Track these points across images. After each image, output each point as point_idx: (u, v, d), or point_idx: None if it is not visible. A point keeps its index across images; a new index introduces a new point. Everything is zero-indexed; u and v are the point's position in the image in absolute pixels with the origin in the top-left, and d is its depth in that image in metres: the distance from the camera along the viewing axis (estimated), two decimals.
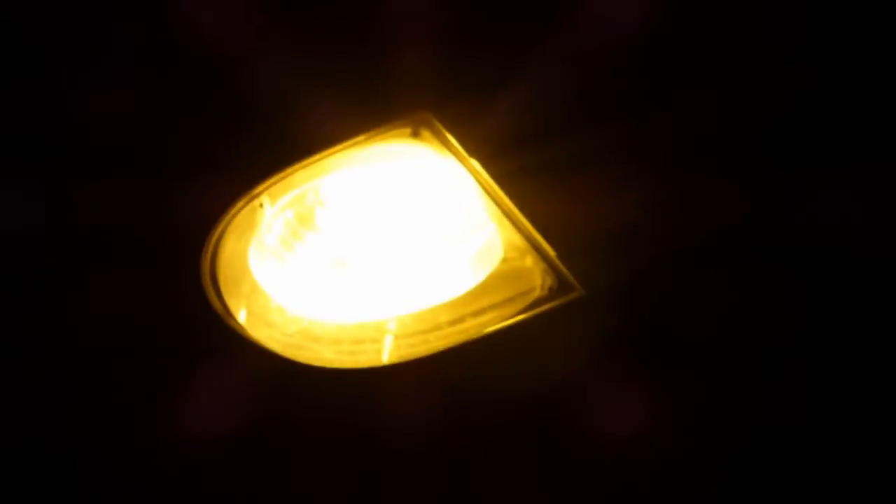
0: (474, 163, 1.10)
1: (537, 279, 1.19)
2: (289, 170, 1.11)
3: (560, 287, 1.18)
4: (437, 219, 1.21)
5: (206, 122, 1.10)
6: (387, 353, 1.24)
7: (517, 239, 1.16)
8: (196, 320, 1.20)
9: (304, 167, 1.11)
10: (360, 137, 1.08)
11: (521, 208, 1.13)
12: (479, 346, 1.23)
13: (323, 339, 1.24)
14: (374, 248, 1.23)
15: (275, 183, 1.12)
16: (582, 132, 1.10)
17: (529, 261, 1.18)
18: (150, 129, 1.11)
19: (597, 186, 1.13)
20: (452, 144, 1.09)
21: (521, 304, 1.20)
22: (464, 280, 1.23)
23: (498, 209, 1.13)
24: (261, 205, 1.15)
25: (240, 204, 1.13)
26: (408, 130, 1.08)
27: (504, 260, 1.20)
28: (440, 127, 1.07)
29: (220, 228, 1.15)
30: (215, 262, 1.17)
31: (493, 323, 1.22)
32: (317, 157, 1.10)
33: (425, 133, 1.08)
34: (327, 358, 1.24)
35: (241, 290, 1.21)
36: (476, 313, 1.23)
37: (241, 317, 1.21)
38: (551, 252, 1.16)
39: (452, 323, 1.23)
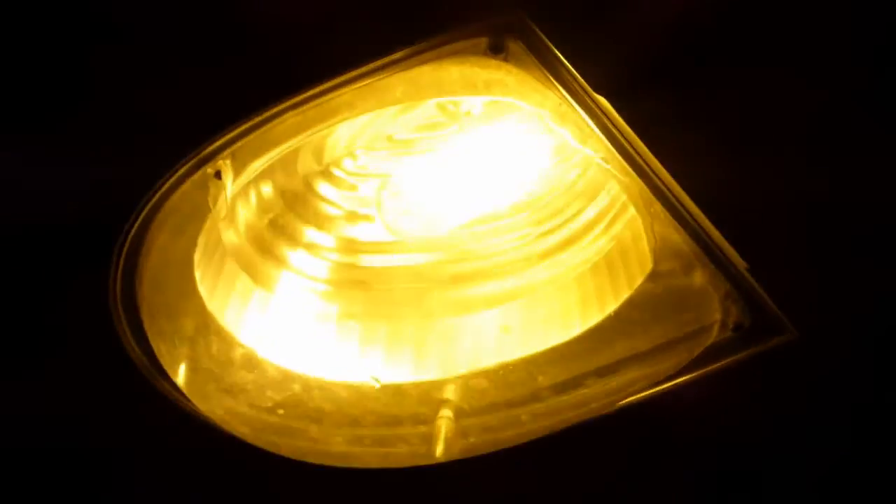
0: (600, 101, 0.77)
1: (713, 310, 0.84)
2: (266, 114, 0.78)
3: (756, 324, 0.83)
4: (530, 200, 0.92)
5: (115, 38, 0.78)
6: (442, 443, 0.90)
7: (678, 239, 0.81)
8: (104, 379, 0.88)
9: (295, 109, 0.79)
10: (398, 55, 0.77)
11: (687, 184, 0.79)
12: (608, 430, 0.90)
13: (329, 417, 0.91)
14: (421, 253, 0.95)
15: (240, 137, 0.79)
16: None
17: (699, 278, 0.83)
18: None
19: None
20: (561, 68, 0.76)
21: (682, 355, 0.86)
22: (579, 312, 0.92)
23: (644, 184, 0.79)
24: (215, 174, 0.81)
25: (178, 173, 0.80)
26: (483, 43, 0.77)
27: (653, 276, 0.86)
28: (540, 36, 0.76)
29: (139, 220, 0.82)
30: (134, 277, 0.83)
31: (632, 388, 0.88)
32: (318, 90, 0.78)
33: (514, 47, 0.77)
34: (336, 451, 0.91)
35: (181, 326, 0.89)
36: (602, 371, 0.89)
37: (180, 374, 0.88)
38: (742, 263, 0.80)
39: (559, 389, 0.90)
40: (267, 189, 0.91)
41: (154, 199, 0.82)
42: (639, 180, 0.80)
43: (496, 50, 0.78)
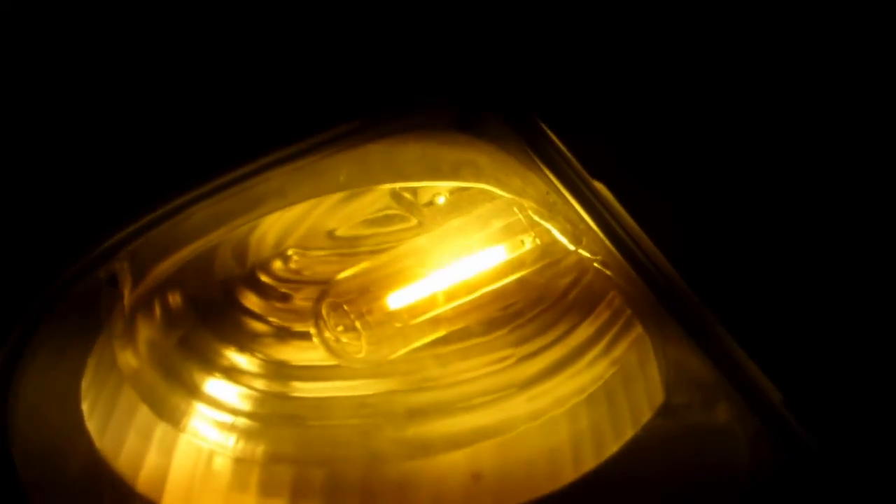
0: (599, 188, 0.67)
1: (741, 454, 0.69)
2: (173, 203, 0.67)
3: (795, 466, 0.68)
4: (509, 315, 0.82)
5: None
6: None
7: (698, 365, 0.68)
8: None
9: (209, 197, 0.68)
10: (341, 129, 0.67)
11: (710, 297, 0.66)
12: None
13: None
14: (369, 380, 0.81)
15: (139, 233, 0.68)
16: None
17: (723, 413, 0.69)
18: None
19: None
20: (549, 146, 0.67)
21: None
22: (570, 455, 0.80)
23: (654, 296, 0.67)
24: (108, 280, 0.70)
25: (61, 279, 0.68)
26: (450, 114, 0.68)
27: (665, 411, 0.75)
28: (523, 107, 0.67)
29: (12, 338, 0.69)
30: (5, 410, 0.69)
31: None
32: (238, 173, 0.67)
33: (490, 120, 0.68)
34: None
35: (64, 471, 0.74)
36: None
37: None
38: (777, 395, 0.65)
39: None
40: (175, 299, 0.81)
41: (31, 313, 0.70)
42: (648, 290, 0.69)
43: (467, 123, 0.68)
